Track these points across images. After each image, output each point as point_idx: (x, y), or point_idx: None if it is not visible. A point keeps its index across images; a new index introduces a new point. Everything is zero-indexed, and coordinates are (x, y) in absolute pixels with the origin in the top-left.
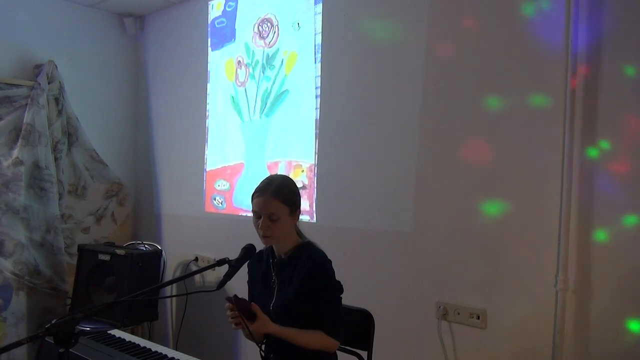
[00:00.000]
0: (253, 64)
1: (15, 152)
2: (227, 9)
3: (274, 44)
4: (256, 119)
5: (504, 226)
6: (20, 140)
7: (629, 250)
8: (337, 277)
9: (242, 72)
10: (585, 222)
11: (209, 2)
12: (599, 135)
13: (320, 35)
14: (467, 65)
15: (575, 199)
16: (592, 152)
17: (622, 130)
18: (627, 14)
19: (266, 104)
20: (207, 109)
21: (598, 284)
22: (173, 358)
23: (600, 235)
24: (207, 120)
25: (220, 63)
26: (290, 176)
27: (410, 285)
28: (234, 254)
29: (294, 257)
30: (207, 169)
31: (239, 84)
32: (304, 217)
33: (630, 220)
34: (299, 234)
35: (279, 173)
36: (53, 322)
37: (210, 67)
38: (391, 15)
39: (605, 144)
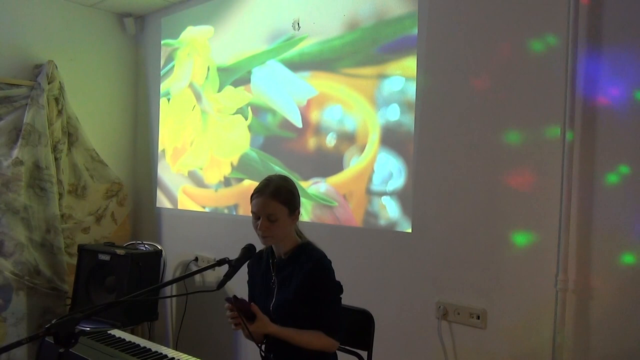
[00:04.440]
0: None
1: (15, 152)
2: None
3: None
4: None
5: (504, 226)
6: (20, 140)
7: (629, 250)
8: (337, 277)
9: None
10: (585, 222)
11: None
12: (598, 144)
13: None
14: (464, 62)
15: (575, 198)
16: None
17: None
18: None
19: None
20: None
21: (598, 284)
22: (173, 358)
23: (602, 235)
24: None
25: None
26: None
27: (410, 285)
28: (234, 254)
29: (293, 257)
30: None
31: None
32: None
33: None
34: (299, 234)
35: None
36: (53, 322)
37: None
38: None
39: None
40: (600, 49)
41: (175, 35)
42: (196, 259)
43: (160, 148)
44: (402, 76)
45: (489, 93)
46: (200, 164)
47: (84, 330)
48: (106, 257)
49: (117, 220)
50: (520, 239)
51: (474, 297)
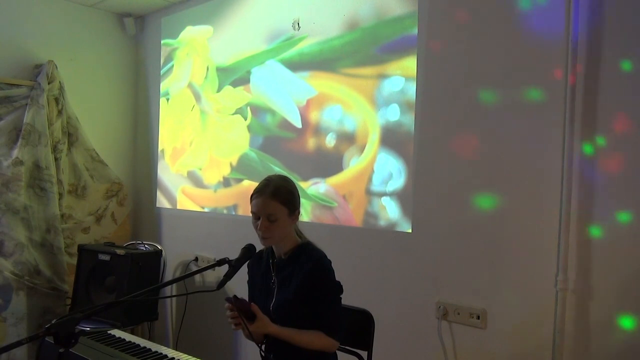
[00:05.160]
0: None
1: (15, 152)
2: None
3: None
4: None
5: (504, 226)
6: (20, 140)
7: (629, 250)
8: (337, 277)
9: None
10: (585, 222)
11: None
12: (597, 132)
13: None
14: (464, 62)
15: (575, 198)
16: (589, 149)
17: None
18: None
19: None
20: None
21: (598, 284)
22: (173, 358)
23: (598, 232)
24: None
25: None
26: None
27: (410, 285)
28: (234, 254)
29: (293, 258)
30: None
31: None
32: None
33: (625, 217)
34: (299, 234)
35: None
36: (53, 322)
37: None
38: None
39: (601, 141)
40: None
41: (174, 35)
42: (196, 259)
43: (159, 148)
44: (402, 76)
45: (489, 93)
46: (200, 164)
47: (84, 330)
48: (106, 257)
49: (117, 220)
50: (520, 238)
51: (474, 297)
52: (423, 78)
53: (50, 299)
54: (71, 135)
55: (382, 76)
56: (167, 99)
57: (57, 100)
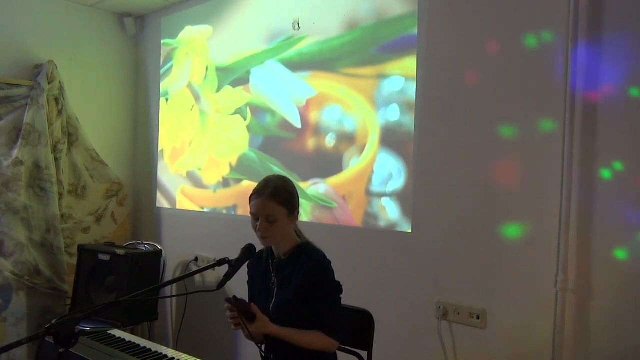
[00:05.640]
0: None
1: (15, 152)
2: None
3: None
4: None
5: (504, 226)
6: (20, 140)
7: (630, 250)
8: (337, 277)
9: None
10: (585, 222)
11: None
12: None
13: None
14: (464, 62)
15: (575, 198)
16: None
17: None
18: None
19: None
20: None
21: (598, 284)
22: (173, 358)
23: (602, 235)
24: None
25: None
26: None
27: (410, 285)
28: (234, 254)
29: (293, 258)
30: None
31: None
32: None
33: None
34: (298, 234)
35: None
36: (53, 322)
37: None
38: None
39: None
40: (600, 43)
41: (174, 35)
42: (196, 259)
43: (159, 148)
44: (402, 76)
45: (489, 93)
46: (199, 165)
47: (84, 330)
48: (106, 257)
49: (117, 220)
50: (521, 238)
51: (474, 297)
52: (423, 78)
53: (50, 299)
54: (71, 135)
55: (382, 76)
56: (167, 99)
57: (57, 100)
